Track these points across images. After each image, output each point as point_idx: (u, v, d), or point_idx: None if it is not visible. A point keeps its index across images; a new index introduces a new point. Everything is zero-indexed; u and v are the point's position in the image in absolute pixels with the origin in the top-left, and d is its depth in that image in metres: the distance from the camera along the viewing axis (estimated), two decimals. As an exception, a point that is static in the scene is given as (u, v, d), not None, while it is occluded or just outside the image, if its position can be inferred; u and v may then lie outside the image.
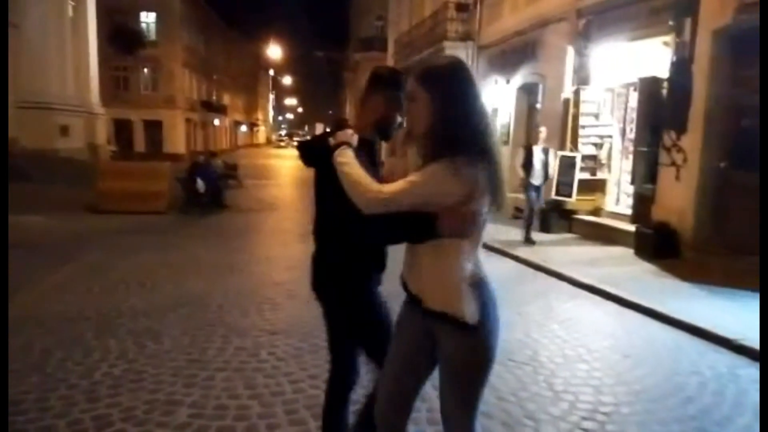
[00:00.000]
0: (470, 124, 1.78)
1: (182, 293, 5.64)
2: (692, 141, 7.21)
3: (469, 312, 1.81)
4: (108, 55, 24.75)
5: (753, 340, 4.28)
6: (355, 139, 1.99)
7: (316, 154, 2.12)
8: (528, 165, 8.35)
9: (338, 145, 1.95)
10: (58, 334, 4.36)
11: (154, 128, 33.72)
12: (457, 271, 1.83)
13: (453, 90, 1.79)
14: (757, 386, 3.70)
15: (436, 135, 1.79)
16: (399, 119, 2.15)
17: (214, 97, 44.72)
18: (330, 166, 1.91)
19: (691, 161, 7.24)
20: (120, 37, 22.45)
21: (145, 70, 33.61)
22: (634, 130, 9.03)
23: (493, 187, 1.80)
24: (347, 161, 1.88)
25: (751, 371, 3.95)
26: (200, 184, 12.10)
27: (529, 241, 8.31)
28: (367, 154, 2.06)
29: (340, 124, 2.11)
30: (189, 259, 7.29)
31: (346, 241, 2.12)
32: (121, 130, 26.01)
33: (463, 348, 1.86)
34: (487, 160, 1.79)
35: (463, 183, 1.74)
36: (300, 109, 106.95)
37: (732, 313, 4.98)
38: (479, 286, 1.86)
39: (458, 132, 1.76)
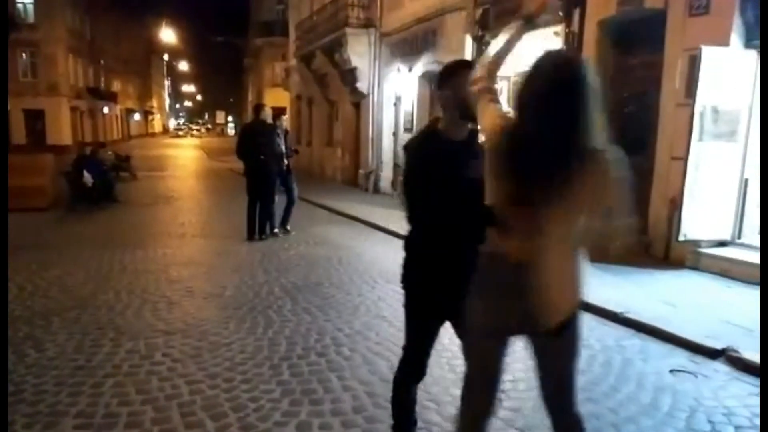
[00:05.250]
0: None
1: (68, 296, 5.19)
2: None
3: None
4: (-26, 36, 22.13)
5: (636, 312, 4.63)
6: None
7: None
8: None
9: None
10: None
11: (35, 118, 30.79)
12: None
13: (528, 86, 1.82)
14: (641, 356, 4.01)
15: None
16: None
17: (103, 84, 41.53)
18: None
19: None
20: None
21: (23, 54, 30.52)
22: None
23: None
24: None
25: (635, 342, 4.26)
26: (87, 177, 11.18)
27: None
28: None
29: (435, 122, 2.32)
30: (75, 259, 6.70)
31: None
32: (-5, 119, 23.42)
33: None
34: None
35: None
36: (199, 97, 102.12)
37: (618, 288, 5.35)
38: None
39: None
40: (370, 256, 7.23)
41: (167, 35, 50.92)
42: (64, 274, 5.97)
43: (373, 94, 14.45)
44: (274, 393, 3.30)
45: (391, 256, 7.20)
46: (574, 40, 7.63)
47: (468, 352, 2.12)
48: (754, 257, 5.72)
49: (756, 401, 3.33)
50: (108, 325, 4.43)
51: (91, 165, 11.64)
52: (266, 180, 7.97)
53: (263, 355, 3.88)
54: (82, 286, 5.52)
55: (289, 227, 8.55)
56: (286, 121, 9.09)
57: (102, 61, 40.88)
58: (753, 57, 5.92)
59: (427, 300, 2.30)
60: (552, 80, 1.76)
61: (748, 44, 5.96)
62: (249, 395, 3.27)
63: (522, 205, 1.80)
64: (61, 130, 31.38)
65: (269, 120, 8.24)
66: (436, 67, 11.71)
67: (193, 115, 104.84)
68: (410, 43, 12.69)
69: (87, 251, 7.16)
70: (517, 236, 1.85)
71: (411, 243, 2.31)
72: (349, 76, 14.63)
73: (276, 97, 28.15)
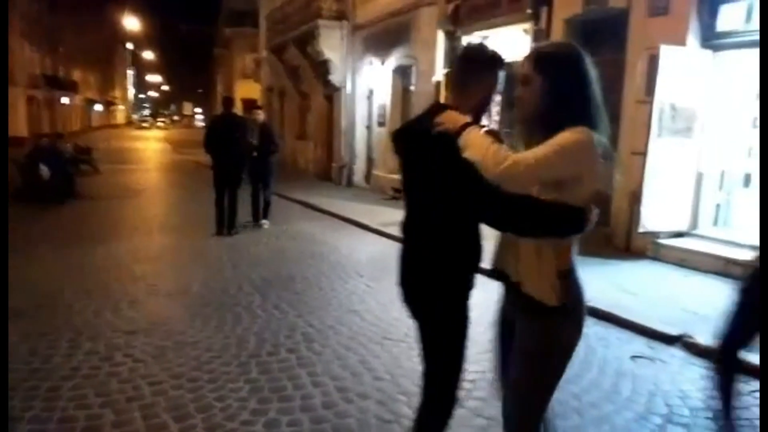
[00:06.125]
0: (587, 106, 1.78)
1: (23, 297, 4.97)
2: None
3: (555, 297, 1.81)
4: None
5: (599, 301, 4.72)
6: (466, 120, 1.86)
7: (419, 141, 1.98)
8: None
9: (461, 130, 1.81)
10: None
11: (-12, 108, 29.56)
12: (553, 261, 1.81)
13: (570, 73, 1.79)
14: (603, 343, 4.11)
15: (558, 116, 1.76)
16: (495, 101, 2.06)
17: (62, 73, 40.12)
18: (434, 153, 1.86)
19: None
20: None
21: (-26, 41, 29.22)
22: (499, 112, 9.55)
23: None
24: (476, 140, 1.77)
25: (597, 329, 4.36)
26: (44, 170, 10.74)
27: None
28: None
29: (439, 108, 1.98)
30: (29, 257, 6.43)
31: (448, 238, 1.96)
32: (-54, 109, 22.36)
33: (539, 332, 1.86)
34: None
35: (599, 154, 1.73)
36: (166, 87, 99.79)
37: (582, 278, 5.45)
38: (569, 275, 1.86)
39: (581, 112, 1.76)
40: (343, 250, 7.21)
41: (131, 23, 49.58)
42: (18, 273, 5.68)
43: (346, 87, 14.35)
44: (241, 391, 3.26)
45: (363, 249, 7.22)
46: (542, 37, 7.73)
47: (559, 370, 1.94)
48: (709, 247, 5.99)
49: (711, 384, 3.46)
50: (65, 325, 4.28)
51: (49, 157, 11.14)
52: (233, 174, 7.87)
53: (231, 353, 3.83)
54: (38, 286, 5.32)
55: (263, 221, 8.58)
56: (260, 114, 8.96)
57: (61, 49, 39.49)
58: (708, 56, 6.13)
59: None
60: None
61: (704, 44, 6.17)
62: (215, 395, 3.21)
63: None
64: (17, 121, 30.20)
65: (240, 113, 8.15)
66: (409, 62, 11.73)
67: (158, 106, 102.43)
68: (383, 37, 12.64)
69: (42, 249, 6.90)
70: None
71: (466, 255, 2.02)
72: (322, 68, 14.50)
73: (246, 89, 27.76)
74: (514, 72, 1.93)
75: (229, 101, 8.54)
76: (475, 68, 2.03)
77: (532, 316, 1.86)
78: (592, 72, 1.82)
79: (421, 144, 1.97)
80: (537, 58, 1.83)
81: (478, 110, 2.02)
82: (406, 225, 2.11)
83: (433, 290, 2.03)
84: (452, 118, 1.87)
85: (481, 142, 1.75)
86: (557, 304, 1.80)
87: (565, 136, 1.70)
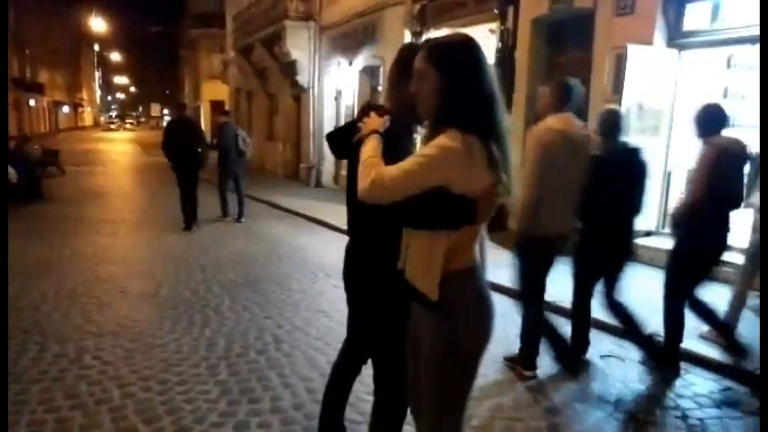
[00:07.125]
0: (479, 104, 1.69)
1: (-14, 299, 4.86)
2: (515, 123, 7.86)
3: (436, 293, 1.72)
4: None
5: (569, 300, 4.79)
6: (384, 123, 1.84)
7: (347, 143, 1.95)
8: None
9: (368, 134, 1.81)
10: None
11: (-50, 110, 28.51)
12: (441, 256, 1.73)
13: (463, 68, 1.69)
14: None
15: (444, 114, 1.69)
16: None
17: (29, 75, 39.06)
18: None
19: (515, 143, 7.89)
20: None
21: (-64, 42, 28.16)
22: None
23: (503, 171, 1.73)
24: (364, 150, 1.74)
25: (568, 329, 4.40)
26: (12, 173, 10.46)
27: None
28: (404, 139, 1.96)
29: (368, 109, 1.98)
30: (-5, 260, 6.29)
31: (384, 236, 1.94)
32: None
33: (434, 333, 1.78)
34: (497, 142, 1.70)
35: (477, 159, 1.65)
36: (132, 89, 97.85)
37: (552, 279, 5.52)
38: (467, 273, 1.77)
39: (467, 111, 1.67)
40: (311, 250, 7.19)
41: (98, 24, 48.52)
42: (-17, 277, 5.60)
43: (313, 87, 14.31)
44: (210, 393, 3.24)
45: (331, 250, 7.19)
46: (509, 37, 7.82)
47: (463, 375, 1.83)
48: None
49: (680, 383, 3.56)
50: (33, 328, 4.20)
51: (16, 159, 10.90)
52: (191, 173, 8.35)
53: (200, 355, 3.79)
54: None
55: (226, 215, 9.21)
56: (224, 118, 9.26)
57: (27, 51, 38.44)
58: (674, 55, 6.29)
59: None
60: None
61: (669, 43, 6.31)
62: (184, 396, 3.19)
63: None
64: (-19, 123, 29.27)
65: (196, 117, 8.60)
66: (377, 62, 11.75)
67: (126, 108, 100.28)
68: (350, 37, 12.63)
69: (9, 251, 6.72)
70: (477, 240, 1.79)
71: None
72: (289, 69, 14.43)
73: (214, 90, 27.37)
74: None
75: (181, 106, 9.31)
76: (398, 67, 2.06)
77: (426, 314, 1.80)
78: (487, 66, 1.73)
79: (352, 145, 1.96)
80: (429, 50, 1.73)
81: (404, 109, 1.96)
82: (348, 222, 2.22)
83: (365, 286, 2.14)
84: (369, 123, 1.87)
85: (364, 158, 1.72)
86: (438, 299, 1.73)
87: (435, 144, 1.65)
